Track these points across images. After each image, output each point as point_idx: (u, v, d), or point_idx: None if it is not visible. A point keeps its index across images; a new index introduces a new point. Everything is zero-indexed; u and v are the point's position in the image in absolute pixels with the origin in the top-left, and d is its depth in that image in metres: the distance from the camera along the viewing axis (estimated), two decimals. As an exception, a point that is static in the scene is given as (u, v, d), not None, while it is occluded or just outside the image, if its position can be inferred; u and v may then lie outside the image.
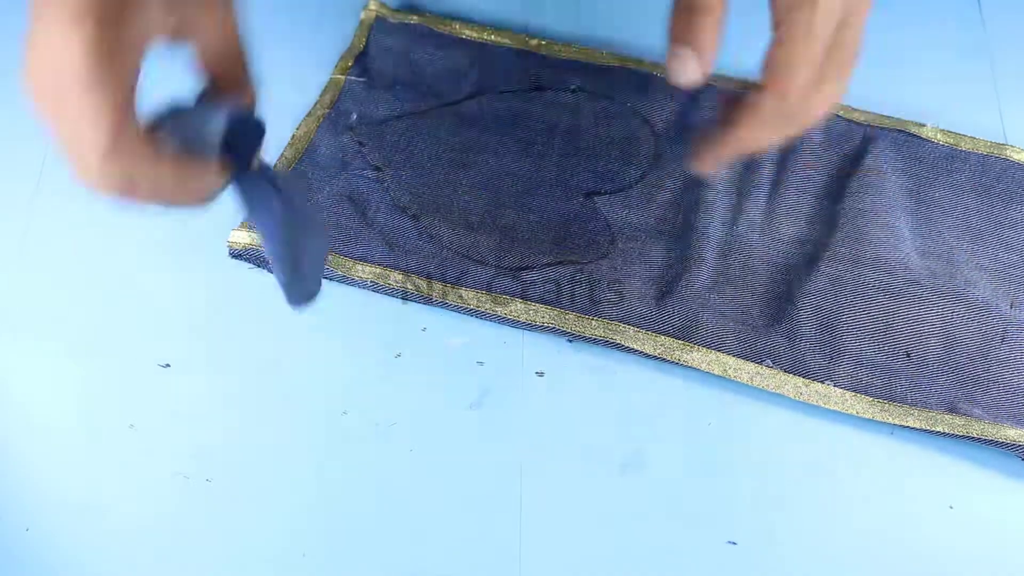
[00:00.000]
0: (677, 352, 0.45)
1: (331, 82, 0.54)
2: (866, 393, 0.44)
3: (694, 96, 0.53)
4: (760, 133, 0.36)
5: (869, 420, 0.45)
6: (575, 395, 0.46)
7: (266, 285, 0.49)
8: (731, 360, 0.45)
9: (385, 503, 0.43)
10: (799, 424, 0.45)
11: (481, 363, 0.47)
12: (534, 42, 0.55)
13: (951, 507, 0.43)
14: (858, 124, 0.52)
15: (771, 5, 0.33)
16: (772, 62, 0.34)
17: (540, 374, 0.47)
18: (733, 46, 0.57)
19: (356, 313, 0.48)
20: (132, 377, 0.46)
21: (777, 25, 0.33)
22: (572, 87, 0.53)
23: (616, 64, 0.54)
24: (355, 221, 0.49)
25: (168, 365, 0.47)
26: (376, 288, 0.48)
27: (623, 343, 0.45)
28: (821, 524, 0.43)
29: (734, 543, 0.42)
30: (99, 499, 0.44)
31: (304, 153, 0.52)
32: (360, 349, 0.47)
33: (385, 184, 0.50)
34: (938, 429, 0.43)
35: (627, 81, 0.53)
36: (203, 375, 0.47)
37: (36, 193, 0.52)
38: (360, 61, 0.55)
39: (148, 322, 0.48)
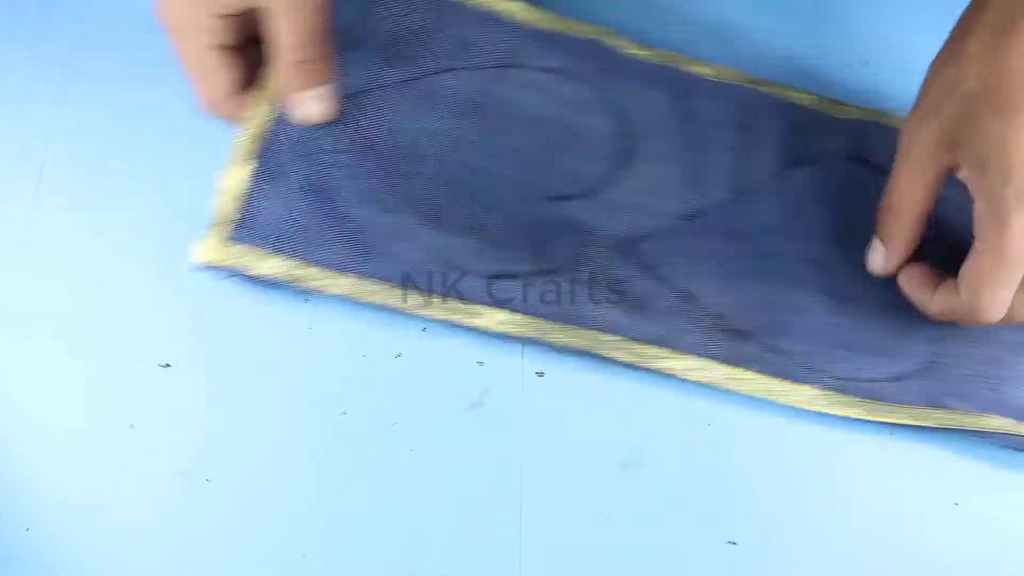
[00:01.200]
0: (661, 361, 0.44)
1: None
2: (852, 394, 0.44)
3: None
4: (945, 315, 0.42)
5: (869, 420, 0.45)
6: (575, 395, 0.46)
7: (266, 285, 0.49)
8: (713, 365, 0.44)
9: (385, 503, 0.43)
10: (799, 424, 0.45)
11: (481, 363, 0.47)
12: (515, 5, 0.48)
13: (956, 503, 0.43)
14: (851, 120, 0.51)
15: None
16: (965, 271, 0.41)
17: (540, 374, 0.47)
18: (742, 43, 0.57)
19: (356, 313, 0.48)
20: (132, 377, 0.46)
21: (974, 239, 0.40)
22: (547, 66, 0.48)
23: (593, 37, 0.48)
24: (323, 219, 0.45)
25: (168, 365, 0.47)
26: (349, 301, 0.45)
27: (601, 353, 0.44)
28: (822, 524, 0.43)
29: (734, 543, 0.42)
30: (99, 499, 0.44)
31: (270, 135, 0.46)
32: (360, 349, 0.47)
33: (353, 169, 0.45)
34: (927, 424, 0.43)
35: (607, 62, 0.48)
36: (203, 375, 0.47)
37: (36, 192, 0.52)
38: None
39: (148, 322, 0.48)
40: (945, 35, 0.56)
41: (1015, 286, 0.38)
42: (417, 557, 0.42)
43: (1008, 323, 0.40)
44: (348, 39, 0.48)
